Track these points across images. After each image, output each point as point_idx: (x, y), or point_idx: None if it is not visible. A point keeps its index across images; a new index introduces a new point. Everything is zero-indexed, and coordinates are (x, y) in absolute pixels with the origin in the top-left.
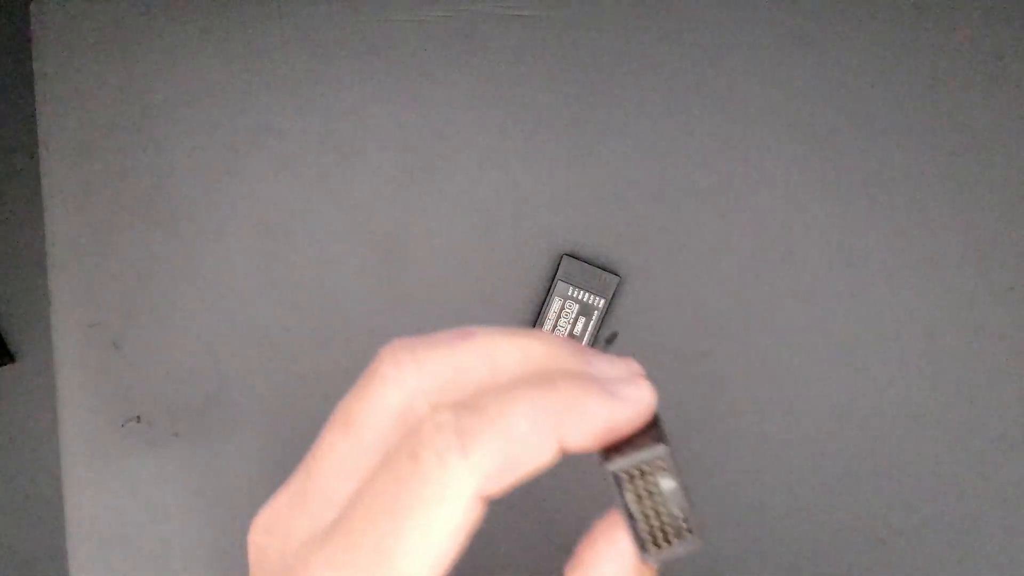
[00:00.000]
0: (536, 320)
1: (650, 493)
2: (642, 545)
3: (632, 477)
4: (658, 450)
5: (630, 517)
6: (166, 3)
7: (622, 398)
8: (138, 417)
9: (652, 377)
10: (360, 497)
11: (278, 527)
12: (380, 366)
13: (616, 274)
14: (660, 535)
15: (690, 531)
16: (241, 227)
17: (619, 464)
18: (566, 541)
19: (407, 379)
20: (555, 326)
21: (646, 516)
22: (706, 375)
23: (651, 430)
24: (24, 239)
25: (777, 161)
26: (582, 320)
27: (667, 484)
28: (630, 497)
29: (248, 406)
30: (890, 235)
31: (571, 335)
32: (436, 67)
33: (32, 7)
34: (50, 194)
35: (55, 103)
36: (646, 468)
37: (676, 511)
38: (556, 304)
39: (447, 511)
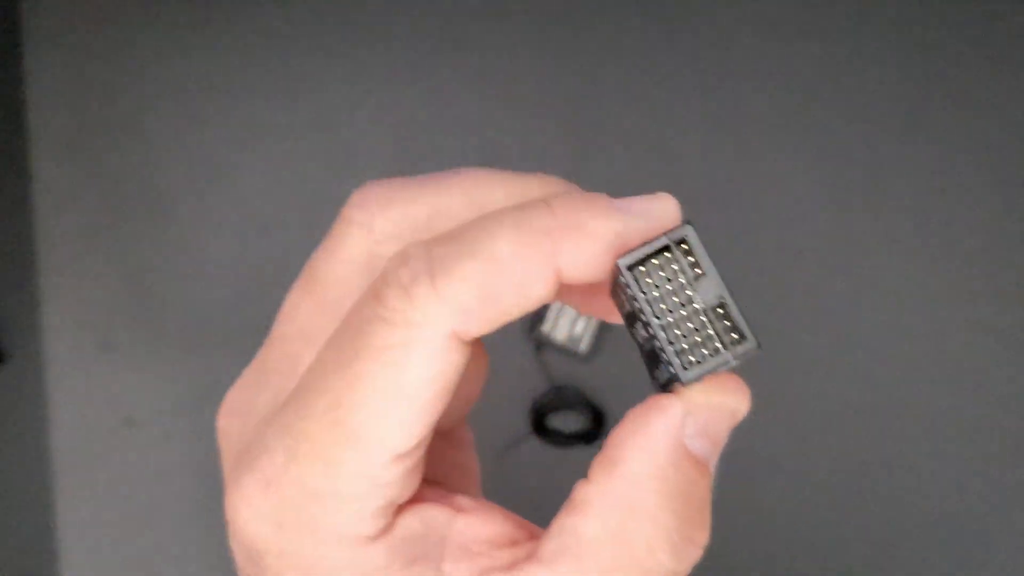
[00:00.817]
0: (536, 319)
1: (679, 301)
2: (680, 362)
3: (652, 275)
4: (683, 230)
5: (657, 329)
6: (156, 2)
7: (634, 212)
8: (129, 419)
9: None
10: (319, 354)
11: (240, 406)
12: (346, 210)
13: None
14: (705, 352)
15: (740, 336)
16: (233, 226)
17: (633, 256)
18: None
19: (375, 223)
20: (555, 326)
21: (678, 331)
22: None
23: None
24: (13, 238)
25: (779, 159)
26: (582, 320)
27: (700, 279)
28: (654, 303)
29: None
30: (893, 234)
31: (571, 335)
32: (430, 63)
33: (23, 6)
34: (40, 193)
35: (45, 102)
36: (669, 257)
37: (715, 313)
38: (556, 304)
39: (416, 357)
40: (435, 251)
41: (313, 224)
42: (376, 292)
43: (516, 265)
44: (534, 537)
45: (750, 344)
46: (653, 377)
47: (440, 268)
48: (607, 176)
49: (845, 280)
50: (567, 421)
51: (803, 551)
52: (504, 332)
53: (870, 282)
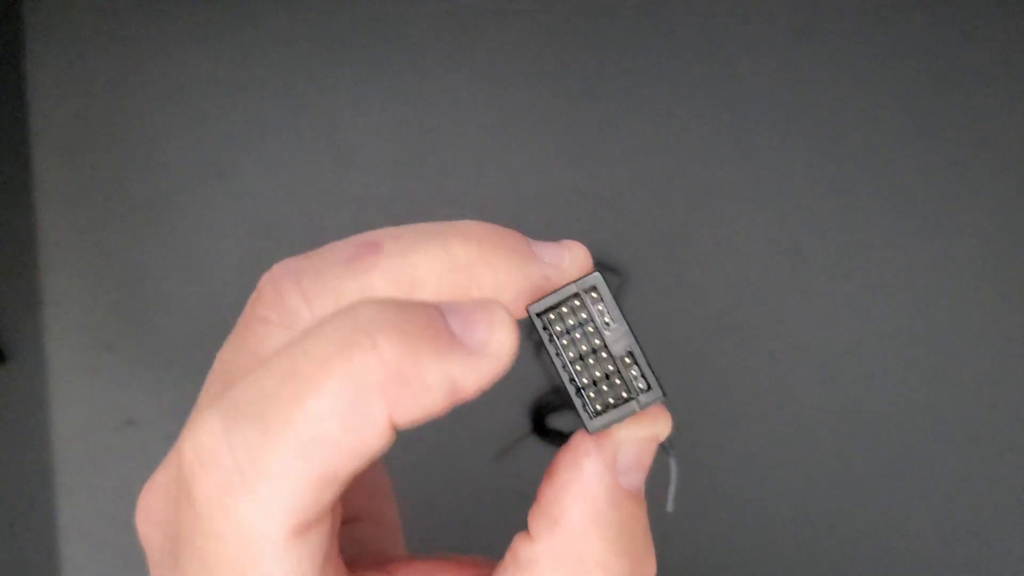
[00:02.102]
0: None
1: (587, 349)
2: (588, 413)
3: (561, 322)
4: (592, 279)
5: (565, 379)
6: (157, 2)
7: (546, 260)
8: (131, 419)
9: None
10: (190, 543)
11: (159, 516)
12: (261, 307)
13: (616, 273)
14: (611, 400)
15: (647, 386)
16: (235, 226)
17: (543, 303)
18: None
19: (297, 323)
20: None
21: (585, 378)
22: (707, 375)
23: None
24: (14, 238)
25: (781, 159)
26: None
27: (609, 327)
28: (563, 351)
29: None
30: (895, 234)
31: None
32: (433, 63)
33: (24, 6)
34: (41, 194)
35: (46, 102)
36: (577, 305)
37: (625, 362)
38: None
39: (264, 567)
40: (239, 450)
41: (314, 224)
42: (187, 494)
43: (347, 440)
44: None
45: (655, 394)
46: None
47: (254, 472)
48: (607, 176)
49: (846, 280)
50: (567, 421)
51: (805, 550)
52: None
53: (871, 282)
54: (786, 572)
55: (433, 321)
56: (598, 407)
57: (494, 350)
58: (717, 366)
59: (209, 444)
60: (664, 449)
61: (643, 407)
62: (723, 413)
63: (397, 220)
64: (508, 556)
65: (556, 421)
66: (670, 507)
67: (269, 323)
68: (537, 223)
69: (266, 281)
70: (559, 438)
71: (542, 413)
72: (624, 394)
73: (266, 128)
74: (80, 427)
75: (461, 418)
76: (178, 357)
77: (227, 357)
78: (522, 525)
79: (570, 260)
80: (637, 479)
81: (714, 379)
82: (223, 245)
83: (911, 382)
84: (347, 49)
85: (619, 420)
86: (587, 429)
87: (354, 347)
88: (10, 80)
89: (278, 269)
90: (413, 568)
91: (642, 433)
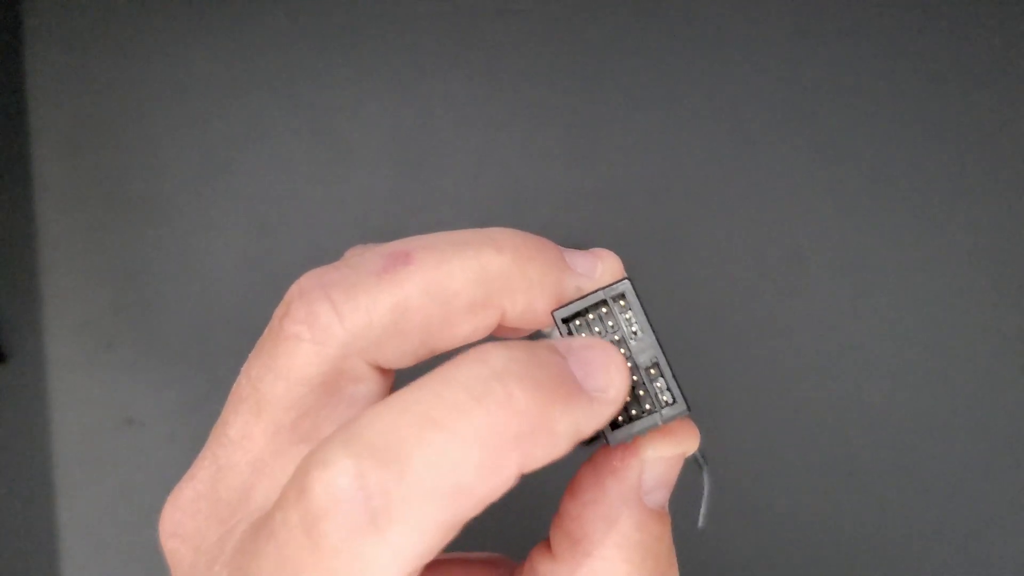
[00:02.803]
0: None
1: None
2: (608, 424)
3: (587, 329)
4: (622, 285)
5: None
6: (157, 2)
7: (578, 272)
8: (131, 419)
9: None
10: (255, 551)
11: (190, 532)
12: (290, 324)
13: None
14: (633, 412)
15: (672, 399)
16: (235, 225)
17: (569, 309)
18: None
19: (329, 339)
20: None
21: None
22: (708, 375)
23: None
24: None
25: (781, 158)
26: None
27: (636, 337)
28: None
29: None
30: (895, 233)
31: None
32: (432, 62)
33: (23, 5)
34: (41, 192)
35: (45, 102)
36: (606, 312)
37: (647, 373)
38: None
39: None
40: (375, 496)
41: (314, 224)
42: (309, 529)
43: (480, 489)
44: None
45: (679, 408)
46: None
47: (387, 517)
48: (607, 176)
49: (846, 280)
50: None
51: (805, 552)
52: None
53: (872, 283)
54: (785, 569)
55: (562, 370)
56: (619, 418)
57: (612, 396)
58: (716, 365)
59: (343, 483)
60: (697, 463)
61: (665, 420)
62: (723, 412)
63: (397, 218)
64: (527, 569)
65: None
66: (701, 524)
67: (301, 340)
68: (537, 222)
69: (294, 295)
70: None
71: None
72: (648, 406)
73: (266, 127)
74: (79, 426)
75: None
76: (178, 356)
77: (257, 374)
78: (529, 528)
79: (602, 270)
80: (662, 497)
81: (714, 378)
82: (223, 244)
83: (911, 381)
84: (346, 48)
85: (640, 433)
86: (607, 440)
87: (489, 397)
88: (9, 80)
89: (306, 282)
90: (434, 569)
91: (669, 452)
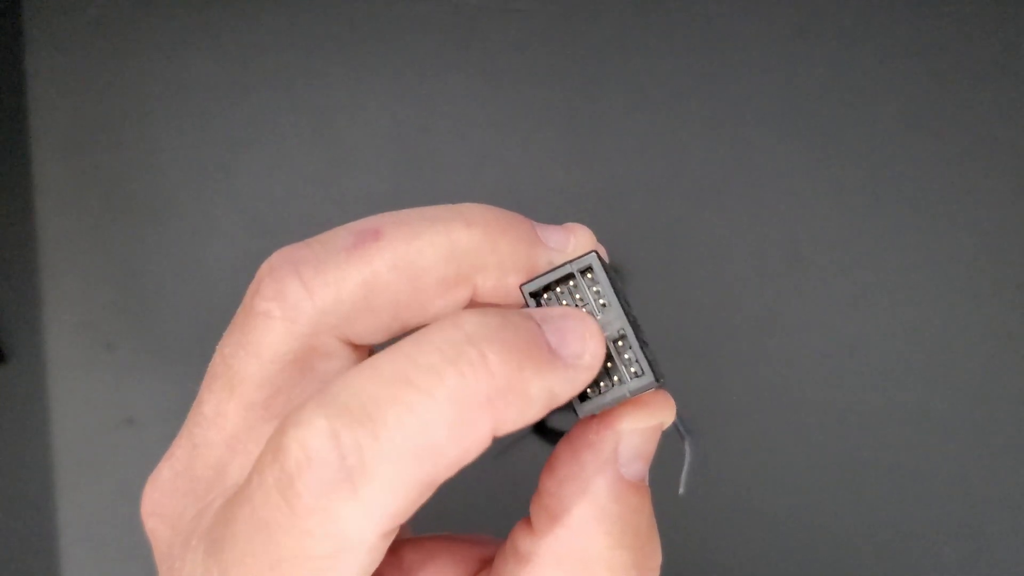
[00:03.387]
0: None
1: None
2: (576, 396)
3: (556, 303)
4: (588, 259)
5: None
6: (157, 2)
7: (551, 245)
8: (131, 419)
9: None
10: (231, 517)
11: (167, 511)
12: (261, 301)
13: (616, 271)
14: (602, 385)
15: (640, 371)
16: (235, 225)
17: (537, 283)
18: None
19: (299, 316)
20: None
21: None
22: (708, 376)
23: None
24: (14, 238)
25: (781, 158)
26: None
27: (604, 310)
28: None
29: None
30: (895, 233)
31: None
32: (432, 62)
33: (25, 5)
34: (41, 192)
35: (45, 102)
36: (574, 285)
37: (619, 346)
38: None
39: (345, 568)
40: (349, 455)
41: (314, 224)
42: (285, 488)
43: (452, 450)
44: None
45: (647, 379)
46: None
47: (361, 475)
48: (607, 176)
49: (846, 280)
50: (567, 421)
51: (805, 552)
52: None
53: (871, 282)
54: (785, 569)
55: (535, 335)
56: (588, 390)
57: (587, 362)
58: (715, 366)
59: (316, 443)
60: (678, 432)
61: (633, 393)
62: (722, 412)
63: None
64: (508, 546)
65: (556, 421)
66: (682, 491)
67: (271, 317)
68: (535, 220)
69: (265, 272)
70: (559, 438)
71: None
72: (616, 379)
73: (266, 128)
74: (79, 426)
75: None
76: (178, 356)
77: (230, 352)
78: (516, 515)
79: (575, 244)
80: (640, 469)
81: (713, 378)
82: (223, 244)
83: (911, 381)
84: (346, 48)
85: (608, 405)
86: (575, 412)
87: (462, 359)
88: (10, 80)
89: (277, 259)
90: (420, 547)
91: (643, 423)
